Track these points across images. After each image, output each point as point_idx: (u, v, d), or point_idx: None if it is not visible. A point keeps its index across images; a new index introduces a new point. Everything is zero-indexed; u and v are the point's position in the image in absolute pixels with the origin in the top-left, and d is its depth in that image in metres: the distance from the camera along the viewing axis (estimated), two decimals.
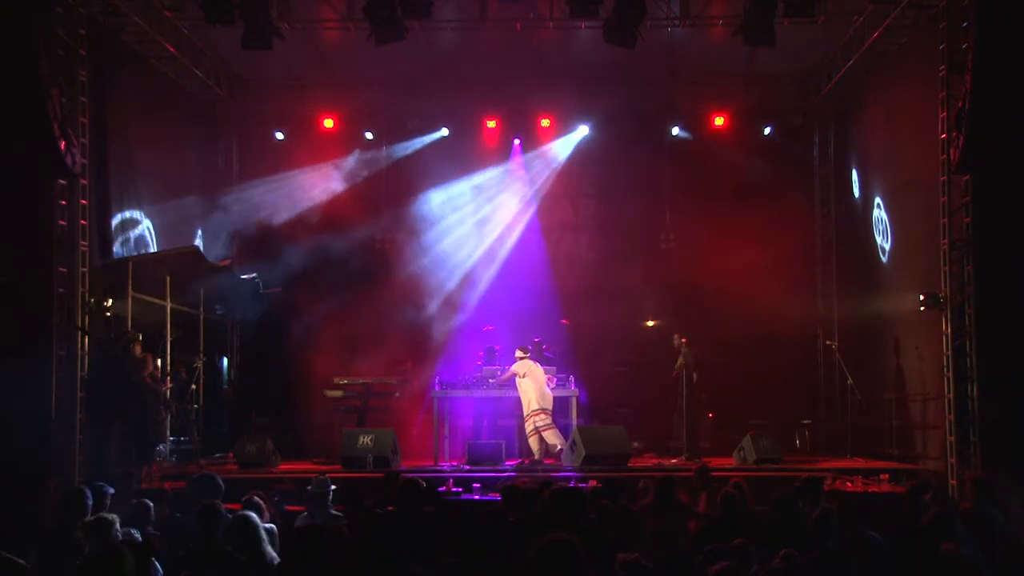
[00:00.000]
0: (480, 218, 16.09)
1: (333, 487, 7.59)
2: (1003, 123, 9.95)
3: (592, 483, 9.80)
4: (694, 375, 13.16)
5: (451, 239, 15.87)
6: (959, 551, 4.97)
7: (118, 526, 5.74)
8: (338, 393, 13.64)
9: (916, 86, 12.31)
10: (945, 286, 11.23)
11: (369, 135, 15.86)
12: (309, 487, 7.54)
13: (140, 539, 5.83)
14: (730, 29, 12.05)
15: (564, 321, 15.00)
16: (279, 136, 15.78)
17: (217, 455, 13.02)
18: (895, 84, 13.33)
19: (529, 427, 12.49)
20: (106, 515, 5.84)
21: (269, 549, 5.66)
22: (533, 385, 12.48)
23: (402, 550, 4.74)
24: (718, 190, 15.43)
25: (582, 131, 15.82)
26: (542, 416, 12.41)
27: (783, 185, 15.55)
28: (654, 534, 5.98)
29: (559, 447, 12.24)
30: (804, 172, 15.97)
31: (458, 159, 16.00)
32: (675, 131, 15.82)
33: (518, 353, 12.76)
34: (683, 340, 13.37)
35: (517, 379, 12.60)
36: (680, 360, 13.20)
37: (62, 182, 10.87)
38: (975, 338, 10.83)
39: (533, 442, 12.47)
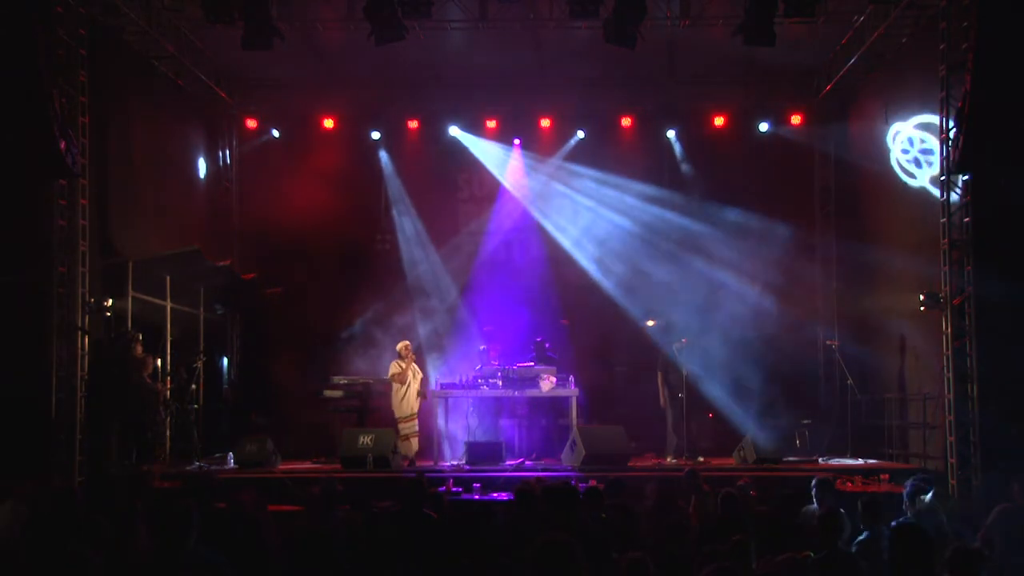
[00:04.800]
0: (480, 218, 16.09)
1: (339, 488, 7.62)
2: (1003, 123, 9.94)
3: (592, 483, 9.81)
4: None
5: (452, 238, 15.87)
6: (968, 549, 4.98)
7: None
8: (338, 393, 13.64)
9: (916, 86, 12.31)
10: (945, 286, 11.24)
11: (375, 134, 15.85)
12: (314, 488, 7.55)
13: None
14: (730, 29, 12.05)
15: (564, 321, 14.99)
16: (276, 134, 15.77)
17: (217, 455, 13.01)
18: (895, 84, 13.33)
19: (413, 429, 12.86)
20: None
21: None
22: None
23: (406, 550, 4.76)
24: (718, 190, 15.44)
25: (579, 135, 15.82)
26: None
27: (783, 185, 15.55)
28: (656, 535, 5.99)
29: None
30: (804, 172, 15.95)
31: (458, 158, 16.02)
32: (671, 135, 15.81)
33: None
34: (683, 340, 13.35)
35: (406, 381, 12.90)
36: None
37: (62, 182, 10.88)
38: (975, 338, 10.84)
39: (412, 445, 12.76)
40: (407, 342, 13.18)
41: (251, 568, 5.40)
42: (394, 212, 15.89)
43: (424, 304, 15.10)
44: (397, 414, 12.94)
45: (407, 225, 15.91)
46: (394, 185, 15.93)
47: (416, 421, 13.04)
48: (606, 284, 15.31)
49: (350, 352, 14.51)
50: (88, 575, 4.15)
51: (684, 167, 15.81)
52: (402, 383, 12.90)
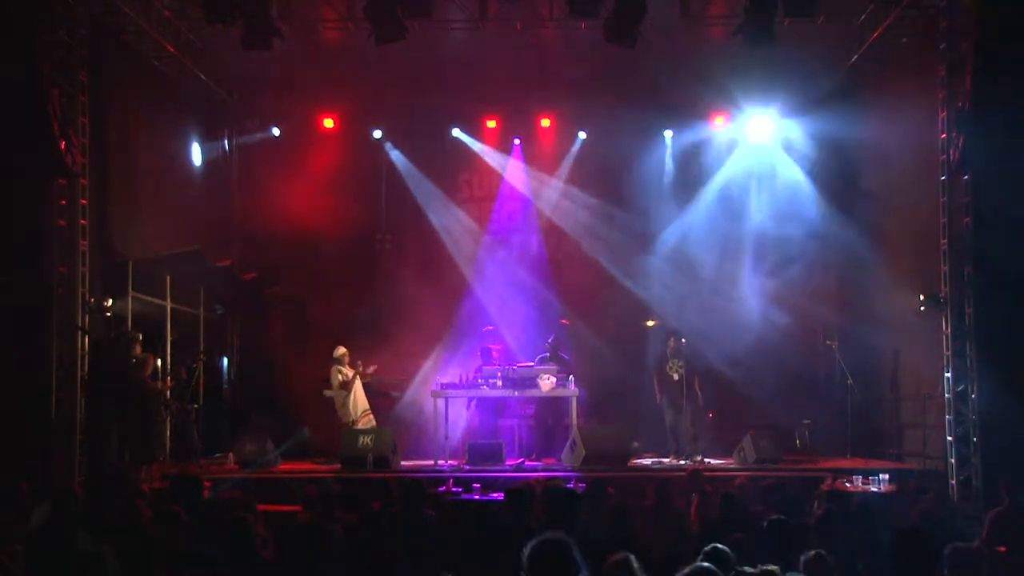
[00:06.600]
0: (480, 218, 16.10)
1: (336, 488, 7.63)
2: (1003, 123, 9.94)
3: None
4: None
5: (452, 238, 15.87)
6: (966, 548, 4.99)
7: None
8: None
9: (916, 86, 12.31)
10: (945, 286, 11.24)
11: (377, 133, 15.83)
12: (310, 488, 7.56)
13: None
14: (730, 29, 12.04)
15: (564, 321, 14.98)
16: (275, 132, 15.76)
17: (217, 455, 13.02)
18: (895, 84, 13.32)
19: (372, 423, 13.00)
20: None
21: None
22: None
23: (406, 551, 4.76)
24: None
25: (581, 136, 15.82)
26: None
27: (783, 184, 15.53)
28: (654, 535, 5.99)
29: None
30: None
31: (458, 159, 16.02)
32: (668, 134, 15.81)
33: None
34: (671, 340, 13.34)
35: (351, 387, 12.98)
36: (679, 361, 13.13)
37: (62, 182, 10.88)
38: (975, 338, 10.83)
39: None
40: (344, 348, 13.15)
41: (241, 566, 5.40)
42: (425, 208, 15.84)
43: (425, 304, 15.05)
44: (350, 418, 12.87)
45: (408, 224, 15.91)
46: (415, 182, 15.87)
47: (372, 415, 13.10)
48: (607, 284, 15.35)
49: (350, 352, 14.50)
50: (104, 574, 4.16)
51: (683, 167, 15.81)
52: (349, 390, 12.95)
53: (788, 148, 15.53)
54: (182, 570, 4.89)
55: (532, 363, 13.26)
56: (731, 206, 15.38)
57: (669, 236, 15.50)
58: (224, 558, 5.22)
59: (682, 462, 12.49)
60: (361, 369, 13.10)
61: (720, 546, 4.84)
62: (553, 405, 13.26)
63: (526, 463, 12.47)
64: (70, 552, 5.49)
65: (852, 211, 15.08)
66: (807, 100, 15.39)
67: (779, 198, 15.32)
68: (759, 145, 15.59)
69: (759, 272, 14.92)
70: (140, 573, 4.98)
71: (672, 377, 13.05)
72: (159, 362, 12.34)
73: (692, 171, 15.77)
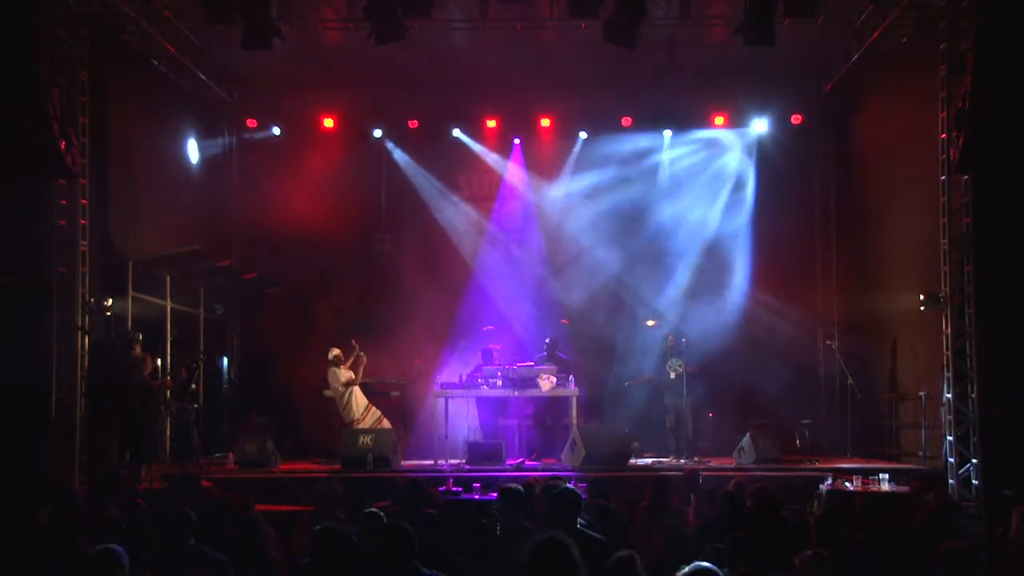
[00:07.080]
0: (480, 218, 16.09)
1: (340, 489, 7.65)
2: (1003, 123, 9.92)
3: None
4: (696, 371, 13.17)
5: (456, 233, 15.86)
6: (959, 548, 4.99)
7: None
8: None
9: (916, 86, 12.31)
10: (945, 286, 11.24)
11: (377, 132, 15.82)
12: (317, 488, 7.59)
13: None
14: (730, 29, 12.04)
15: (564, 321, 14.99)
16: (275, 131, 15.75)
17: (217, 455, 13.02)
18: (895, 84, 13.33)
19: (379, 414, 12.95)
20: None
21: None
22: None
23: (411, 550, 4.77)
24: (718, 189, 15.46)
25: (581, 136, 15.82)
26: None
27: (783, 184, 15.55)
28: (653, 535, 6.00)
29: None
30: (804, 171, 15.95)
31: (458, 159, 16.02)
32: (667, 134, 15.80)
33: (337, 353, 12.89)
34: (683, 339, 13.35)
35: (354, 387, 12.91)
36: (678, 360, 13.13)
37: (62, 182, 10.88)
38: (975, 338, 10.83)
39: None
40: (338, 350, 12.99)
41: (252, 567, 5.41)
42: (428, 205, 15.82)
43: (425, 303, 15.05)
44: (353, 417, 12.76)
45: (408, 224, 15.92)
46: (416, 179, 15.84)
47: (374, 407, 13.05)
48: (607, 284, 15.36)
49: (350, 352, 14.51)
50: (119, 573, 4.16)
51: (681, 166, 15.81)
52: (351, 386, 12.87)
53: (786, 147, 15.56)
54: (190, 569, 4.90)
55: (531, 363, 13.25)
56: (729, 206, 15.40)
57: (668, 236, 15.49)
58: (233, 558, 5.23)
59: (682, 462, 12.50)
60: (356, 351, 12.95)
61: (720, 546, 4.85)
62: (553, 405, 13.26)
63: (526, 463, 12.47)
64: (76, 552, 5.51)
65: (852, 210, 15.13)
66: (807, 100, 15.46)
67: (777, 198, 15.37)
68: (757, 144, 15.61)
69: (756, 272, 14.95)
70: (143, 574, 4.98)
71: (671, 376, 13.05)
72: (159, 362, 12.34)
73: (691, 170, 15.77)
